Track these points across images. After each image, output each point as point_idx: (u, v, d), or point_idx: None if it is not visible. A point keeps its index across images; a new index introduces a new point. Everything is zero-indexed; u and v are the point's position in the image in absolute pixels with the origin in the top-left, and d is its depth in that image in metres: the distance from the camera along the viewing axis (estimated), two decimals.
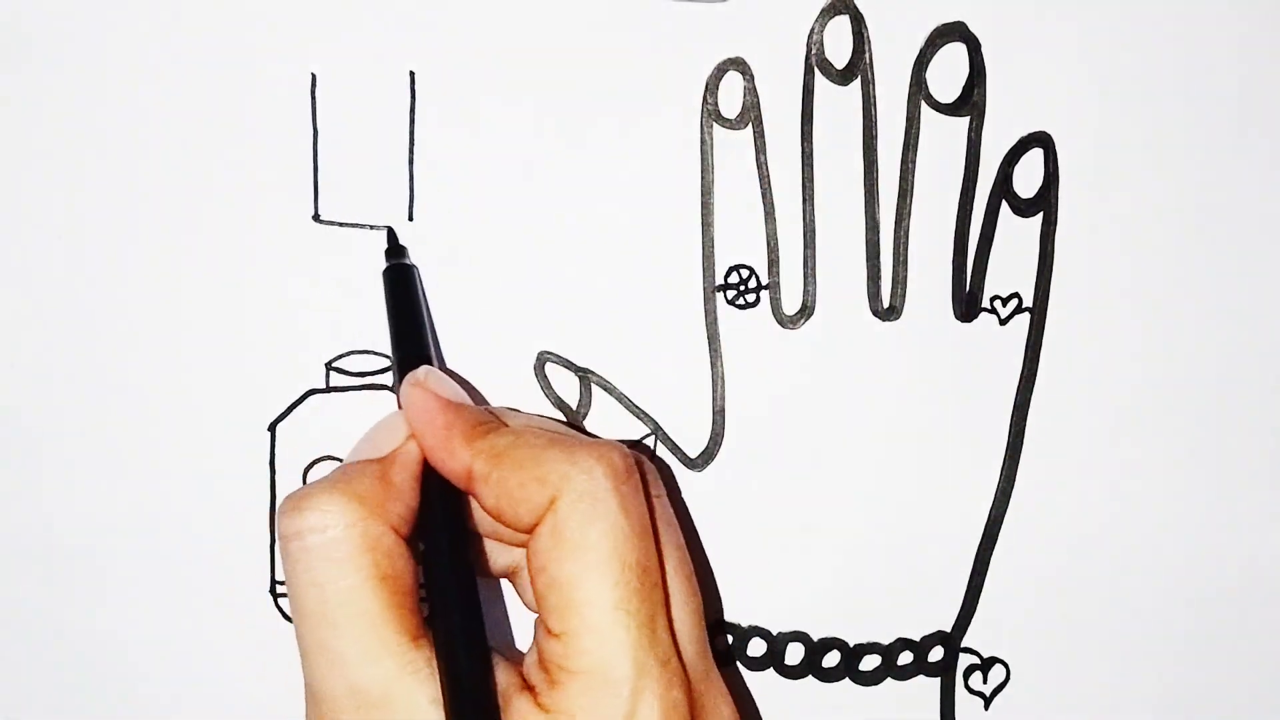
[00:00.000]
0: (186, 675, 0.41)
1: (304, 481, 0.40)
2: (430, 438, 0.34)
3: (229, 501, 0.40)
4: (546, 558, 0.33)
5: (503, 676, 0.33)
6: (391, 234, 0.39)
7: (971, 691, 0.43)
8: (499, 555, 0.37)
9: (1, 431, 0.40)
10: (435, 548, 0.34)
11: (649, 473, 0.36)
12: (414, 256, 0.39)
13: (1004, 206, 0.40)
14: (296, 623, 0.33)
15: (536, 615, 0.34)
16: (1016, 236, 0.40)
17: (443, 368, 0.39)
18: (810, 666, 0.42)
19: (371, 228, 0.39)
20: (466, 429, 0.34)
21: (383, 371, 0.40)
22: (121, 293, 0.39)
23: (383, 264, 0.39)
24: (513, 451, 0.34)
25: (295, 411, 0.40)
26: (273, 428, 0.40)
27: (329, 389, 0.40)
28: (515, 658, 0.34)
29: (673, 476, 0.41)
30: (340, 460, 0.40)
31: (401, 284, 0.38)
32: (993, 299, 0.40)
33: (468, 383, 0.39)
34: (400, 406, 0.35)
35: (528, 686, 0.33)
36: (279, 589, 0.41)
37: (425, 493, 0.35)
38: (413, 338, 0.37)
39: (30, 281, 0.39)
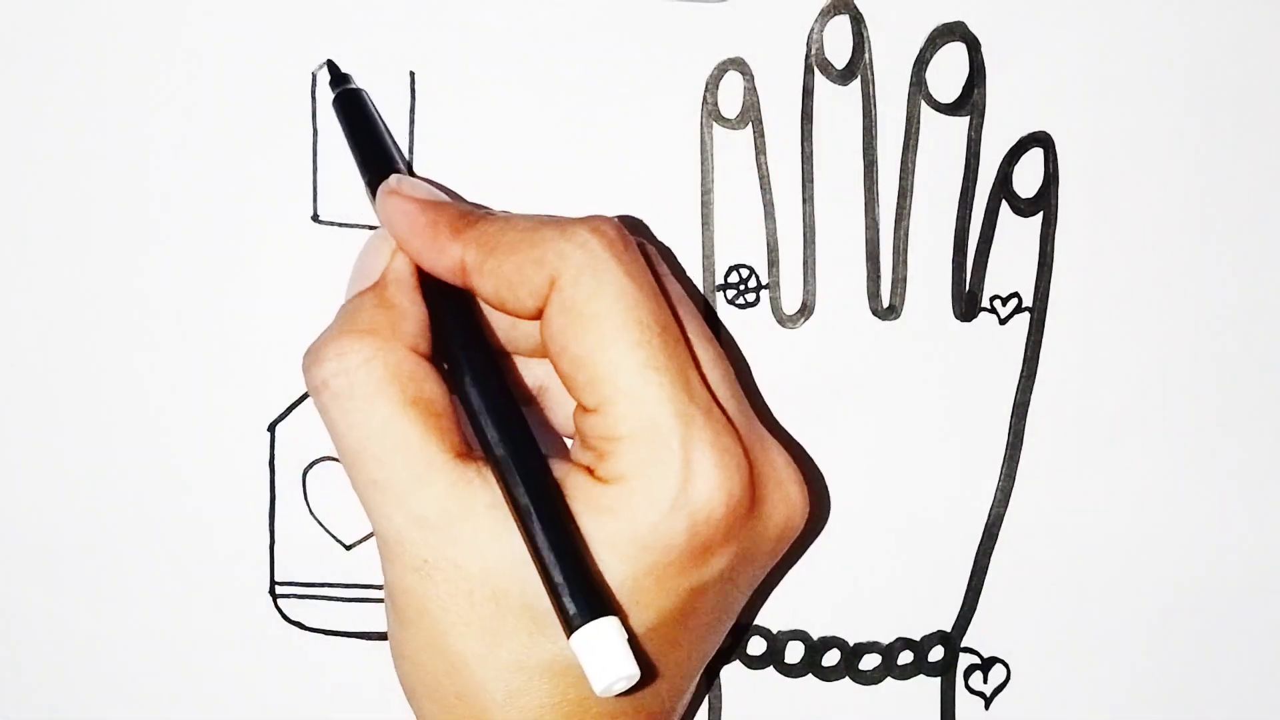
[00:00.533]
0: (186, 675, 0.41)
1: (303, 482, 0.40)
2: (416, 240, 0.34)
3: (229, 501, 0.40)
4: (563, 337, 0.32)
5: (554, 467, 0.33)
6: (332, 65, 0.38)
7: (972, 691, 0.43)
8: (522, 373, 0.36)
9: (2, 431, 0.40)
10: (457, 351, 0.34)
11: (651, 253, 0.35)
12: None
13: (1004, 206, 0.40)
14: (348, 472, 0.33)
15: (574, 403, 0.33)
16: (1016, 236, 0.40)
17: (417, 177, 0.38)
18: (810, 665, 0.42)
19: (371, 228, 0.39)
20: (451, 222, 0.34)
21: None
22: (121, 293, 0.39)
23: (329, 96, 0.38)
24: (504, 237, 0.33)
25: (295, 411, 0.40)
26: (273, 428, 0.40)
27: None
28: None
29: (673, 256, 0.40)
30: (339, 460, 0.40)
31: (353, 108, 0.37)
32: (992, 299, 0.41)
33: (448, 188, 0.38)
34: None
35: (581, 468, 0.33)
36: (278, 589, 0.41)
37: (432, 302, 0.34)
38: (377, 155, 0.36)
39: (31, 281, 0.39)
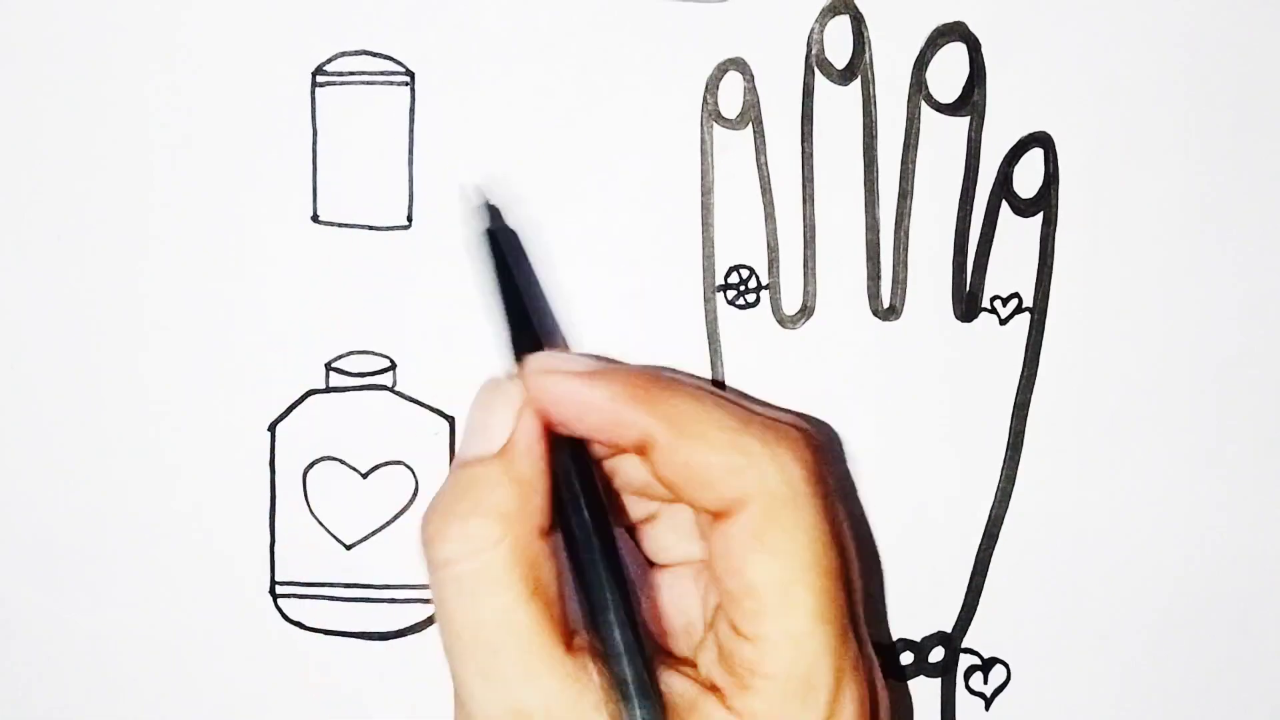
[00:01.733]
0: (187, 675, 0.41)
1: (303, 482, 0.40)
2: (594, 416, 0.32)
3: (229, 501, 0.40)
4: (742, 560, 0.31)
5: (680, 681, 0.32)
6: (491, 208, 0.37)
7: (972, 692, 0.43)
8: (635, 506, 0.36)
9: (1, 431, 0.40)
10: (584, 543, 0.32)
11: (828, 452, 0.35)
12: (414, 257, 0.39)
13: (1004, 206, 0.40)
14: (450, 648, 0.32)
15: (717, 608, 0.33)
16: (1016, 236, 0.40)
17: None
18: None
19: (371, 228, 0.39)
20: (632, 394, 0.32)
21: (382, 372, 0.40)
22: (121, 293, 0.39)
23: (478, 229, 0.37)
24: (699, 424, 0.32)
25: (295, 412, 0.40)
26: (273, 428, 0.40)
27: (329, 389, 0.40)
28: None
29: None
30: (339, 461, 0.40)
31: (502, 251, 0.35)
32: (993, 299, 0.40)
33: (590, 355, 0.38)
34: (524, 387, 0.33)
35: (712, 688, 0.32)
36: (278, 589, 0.41)
37: (558, 478, 0.33)
38: (520, 317, 0.34)
39: (30, 281, 0.39)
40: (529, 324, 0.34)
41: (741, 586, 0.32)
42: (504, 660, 0.31)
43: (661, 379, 0.33)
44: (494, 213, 0.37)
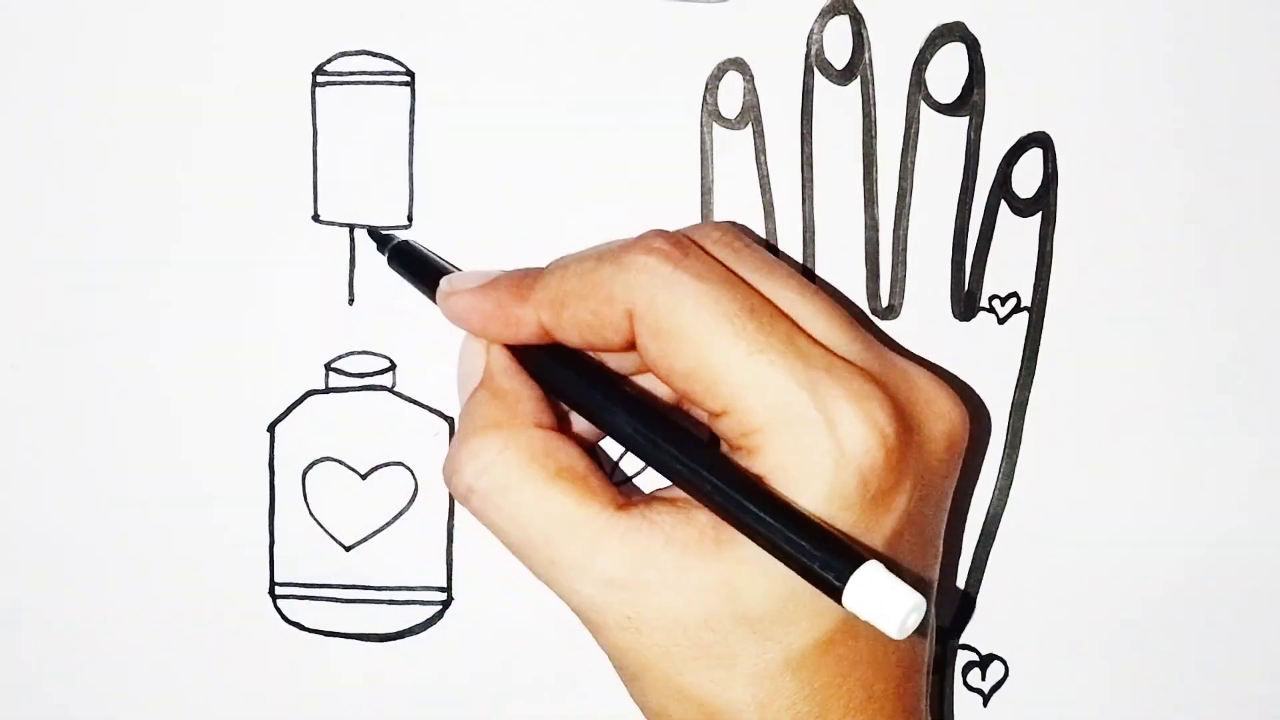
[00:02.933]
0: (186, 675, 0.41)
1: (303, 483, 0.40)
2: (491, 324, 0.35)
3: (229, 502, 0.40)
4: (665, 360, 0.32)
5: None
6: (372, 232, 0.39)
7: (970, 688, 0.43)
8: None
9: (2, 431, 0.40)
10: (583, 399, 0.34)
11: (728, 232, 0.35)
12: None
13: (1003, 206, 0.40)
14: (523, 561, 0.34)
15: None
16: (1015, 236, 0.40)
17: None
18: None
19: (371, 228, 0.39)
20: (514, 291, 0.34)
21: (381, 373, 0.40)
22: (121, 293, 0.39)
23: (383, 261, 0.39)
24: (568, 287, 0.33)
25: (294, 412, 0.40)
26: (272, 428, 0.40)
27: (328, 390, 0.40)
28: None
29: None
30: (339, 461, 0.40)
31: (404, 256, 0.38)
32: (991, 298, 0.41)
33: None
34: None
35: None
36: (278, 590, 0.41)
37: (542, 368, 0.35)
38: (430, 275, 0.37)
39: (31, 282, 0.39)
40: (436, 273, 0.37)
41: (681, 380, 0.33)
42: (561, 544, 0.33)
43: (534, 271, 0.35)
44: (380, 239, 0.39)
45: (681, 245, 0.33)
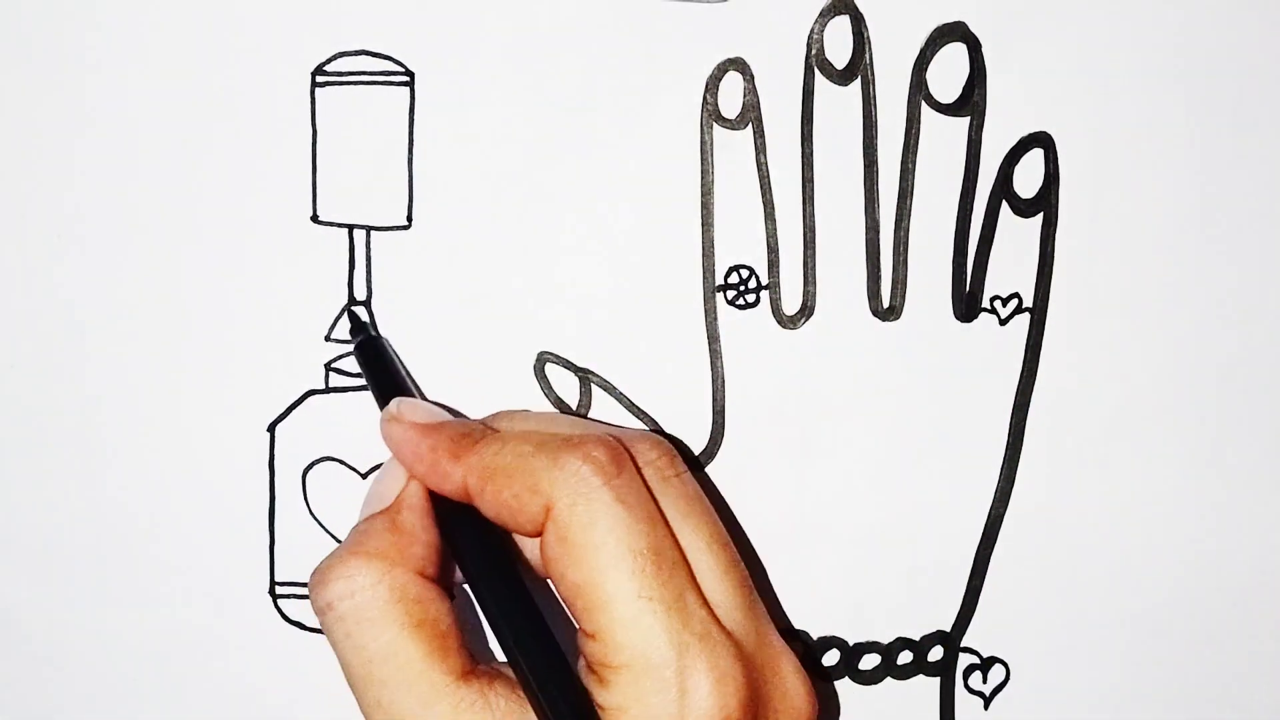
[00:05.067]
0: (186, 675, 0.41)
1: (303, 483, 0.40)
2: (419, 465, 0.35)
3: (229, 502, 0.40)
4: (561, 564, 0.33)
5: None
6: (352, 314, 0.39)
7: (971, 691, 0.43)
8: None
9: (2, 431, 0.40)
10: (475, 572, 0.35)
11: (663, 455, 0.36)
12: (414, 257, 0.39)
13: (1004, 207, 0.40)
14: (351, 687, 0.34)
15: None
16: (1016, 237, 0.40)
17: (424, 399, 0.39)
18: (810, 665, 0.42)
19: (371, 228, 0.39)
20: (451, 446, 0.35)
21: None
22: (121, 293, 0.39)
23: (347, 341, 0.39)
24: (500, 461, 0.34)
25: (295, 412, 0.40)
26: (272, 429, 0.40)
27: (328, 390, 0.40)
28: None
29: (692, 454, 0.41)
30: (339, 461, 0.40)
31: (370, 353, 0.38)
32: (993, 299, 0.41)
33: (452, 408, 0.39)
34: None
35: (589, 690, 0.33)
36: (278, 589, 0.41)
37: (447, 519, 0.35)
38: (388, 388, 0.37)
39: (30, 282, 0.39)
40: (394, 389, 0.37)
41: (568, 590, 0.33)
42: (394, 692, 0.33)
43: (478, 433, 0.35)
44: (358, 324, 0.39)
45: (618, 461, 0.34)
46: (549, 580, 0.34)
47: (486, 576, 0.34)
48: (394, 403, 0.36)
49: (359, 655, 0.33)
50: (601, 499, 0.33)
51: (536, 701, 0.33)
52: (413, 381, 0.39)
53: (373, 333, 0.39)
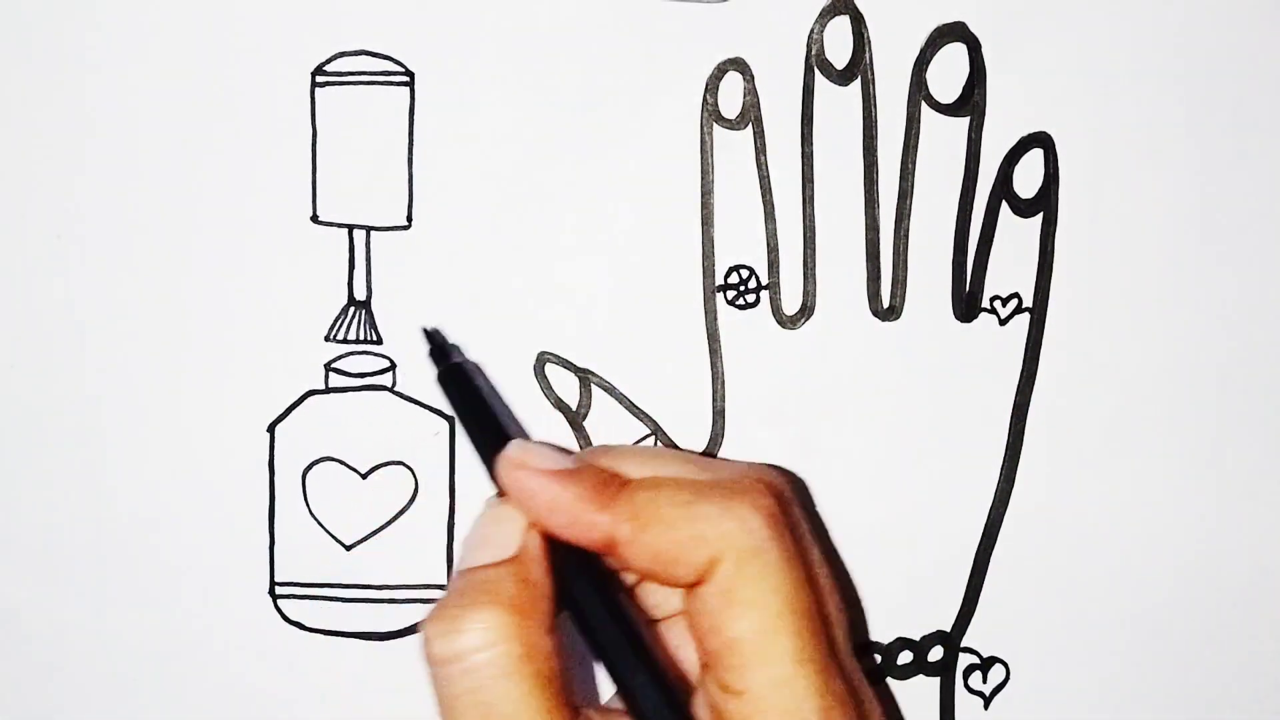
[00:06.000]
0: (186, 675, 0.41)
1: (303, 483, 0.40)
2: (558, 516, 0.33)
3: (229, 502, 0.40)
4: (718, 618, 0.32)
5: None
6: (432, 335, 0.38)
7: (971, 691, 0.43)
8: (655, 598, 0.36)
9: (1, 431, 0.40)
10: (602, 632, 0.33)
11: (789, 503, 0.35)
12: (414, 257, 0.39)
13: (1004, 207, 0.40)
14: None
15: (702, 668, 0.33)
16: (1016, 237, 0.40)
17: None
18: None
19: (371, 228, 0.39)
20: (595, 494, 0.33)
21: (381, 372, 0.40)
22: (121, 293, 0.39)
23: (434, 366, 0.38)
24: (659, 510, 0.33)
25: (294, 412, 0.40)
26: (272, 429, 0.40)
27: (328, 390, 0.40)
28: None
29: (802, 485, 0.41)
30: (339, 461, 0.40)
31: (461, 382, 0.37)
32: (993, 299, 0.40)
33: (558, 446, 0.38)
34: (501, 493, 0.34)
35: None
36: (278, 589, 0.41)
37: (564, 573, 0.34)
38: (489, 427, 0.36)
39: (30, 282, 0.39)
40: (500, 431, 0.35)
41: (722, 644, 0.32)
42: None
43: (619, 478, 0.34)
44: (441, 348, 0.38)
45: (786, 512, 0.33)
46: (694, 631, 0.33)
47: (611, 632, 0.33)
48: (514, 447, 0.34)
49: (481, 710, 0.32)
50: (772, 556, 0.32)
51: None
52: (508, 411, 0.38)
53: (457, 359, 0.38)
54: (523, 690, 0.32)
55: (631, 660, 0.33)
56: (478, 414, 0.36)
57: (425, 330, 0.39)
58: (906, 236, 0.40)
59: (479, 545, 0.34)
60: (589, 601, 0.34)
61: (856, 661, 0.35)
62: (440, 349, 0.38)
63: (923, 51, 0.39)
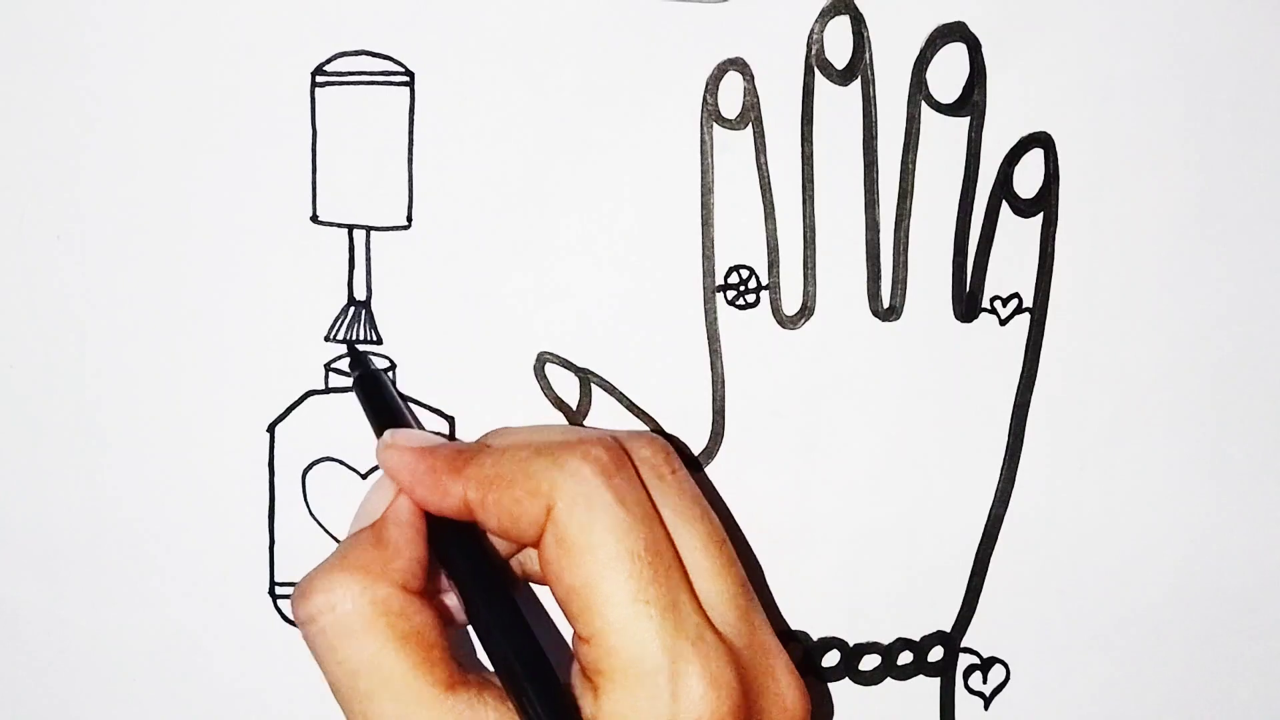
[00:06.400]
0: (186, 675, 0.41)
1: (303, 482, 0.40)
2: (419, 486, 0.35)
3: (229, 502, 0.40)
4: (558, 567, 0.33)
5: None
6: (351, 349, 0.39)
7: (971, 691, 0.43)
8: (531, 564, 0.37)
9: (2, 431, 0.40)
10: (466, 586, 0.35)
11: (659, 453, 0.36)
12: (414, 257, 0.39)
13: (1004, 207, 0.40)
14: (338, 701, 0.34)
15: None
16: (1016, 237, 0.40)
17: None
18: (810, 666, 0.42)
19: (371, 228, 0.39)
20: (448, 464, 0.35)
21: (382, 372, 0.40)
22: (120, 293, 0.39)
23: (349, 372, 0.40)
24: (500, 470, 0.34)
25: (294, 413, 0.40)
26: (272, 429, 0.40)
27: (328, 390, 0.40)
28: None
29: (691, 455, 0.41)
30: (339, 461, 0.40)
31: (368, 389, 0.39)
32: (993, 299, 0.41)
33: (444, 434, 0.40)
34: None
35: (583, 696, 0.33)
36: (278, 590, 0.41)
37: (437, 538, 0.35)
38: (384, 419, 0.37)
39: (30, 282, 0.39)
40: (387, 414, 0.38)
41: (565, 592, 0.33)
42: (380, 704, 0.33)
43: (474, 448, 0.35)
44: (357, 358, 0.39)
45: (617, 460, 0.34)
46: (548, 586, 0.34)
47: (477, 589, 0.34)
48: (388, 433, 0.36)
49: (342, 669, 0.33)
50: (601, 499, 0.33)
51: (524, 711, 0.33)
52: (413, 416, 0.39)
53: (372, 368, 0.39)
54: (376, 646, 0.33)
55: (494, 625, 0.34)
56: (380, 414, 0.38)
57: (350, 346, 0.40)
58: (906, 236, 0.40)
59: (355, 518, 0.36)
60: (456, 569, 0.35)
61: (760, 625, 0.35)
62: (358, 359, 0.39)
63: (923, 51, 0.39)
